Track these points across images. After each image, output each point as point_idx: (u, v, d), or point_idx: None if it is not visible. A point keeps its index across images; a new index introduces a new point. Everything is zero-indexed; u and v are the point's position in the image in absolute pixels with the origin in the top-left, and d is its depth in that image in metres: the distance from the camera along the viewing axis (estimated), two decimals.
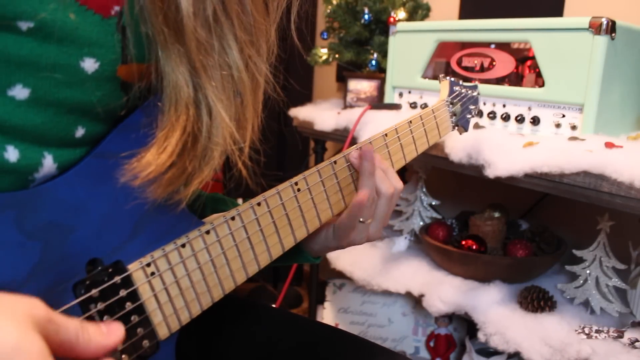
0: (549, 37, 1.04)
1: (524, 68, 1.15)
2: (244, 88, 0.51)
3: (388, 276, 1.34)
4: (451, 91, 0.88)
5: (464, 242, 1.25)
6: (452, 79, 0.90)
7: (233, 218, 0.54)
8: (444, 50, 1.26)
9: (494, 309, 1.13)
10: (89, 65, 0.44)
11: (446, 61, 1.27)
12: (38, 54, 0.41)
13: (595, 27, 0.97)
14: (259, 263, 0.56)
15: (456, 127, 0.88)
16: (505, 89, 1.13)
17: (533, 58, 1.10)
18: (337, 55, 1.58)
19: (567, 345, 0.99)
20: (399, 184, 0.68)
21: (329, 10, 1.55)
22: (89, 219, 0.46)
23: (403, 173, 1.80)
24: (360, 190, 0.65)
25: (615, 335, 1.00)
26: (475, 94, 0.93)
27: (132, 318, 0.46)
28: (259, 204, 0.56)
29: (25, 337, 0.32)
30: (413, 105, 1.32)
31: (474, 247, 1.24)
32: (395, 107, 1.33)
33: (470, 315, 1.15)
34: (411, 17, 1.48)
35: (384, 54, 1.48)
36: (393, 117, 1.25)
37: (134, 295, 0.46)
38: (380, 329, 1.55)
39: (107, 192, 0.47)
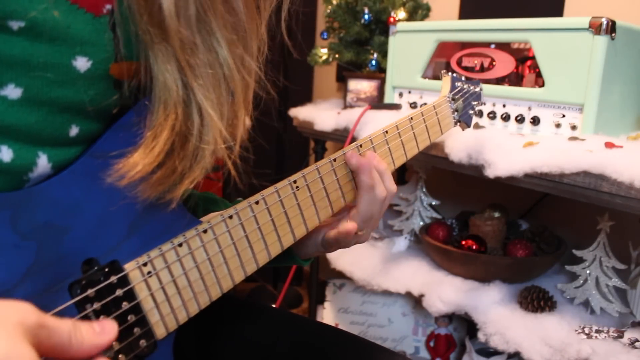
0: (549, 37, 1.04)
1: (524, 68, 1.15)
2: (235, 87, 0.51)
3: (388, 276, 1.34)
4: (453, 87, 0.87)
5: (464, 242, 1.25)
6: (454, 74, 0.89)
7: (231, 216, 0.53)
8: (444, 50, 1.26)
9: (494, 309, 1.13)
10: (81, 64, 0.44)
11: (446, 61, 1.27)
12: (29, 53, 0.41)
13: (595, 27, 0.97)
14: (257, 261, 0.56)
15: (458, 123, 0.88)
16: (505, 89, 1.13)
17: (533, 58, 1.10)
18: (337, 55, 1.58)
19: (567, 345, 0.99)
20: (392, 187, 0.67)
21: (329, 10, 1.54)
22: (85, 219, 0.46)
23: (403, 173, 1.80)
24: (351, 220, 0.64)
25: (615, 335, 0.99)
26: (477, 89, 0.92)
27: (129, 318, 0.46)
28: (257, 202, 0.56)
29: (14, 347, 0.32)
30: (413, 105, 1.32)
31: (474, 247, 1.24)
32: (395, 107, 1.33)
33: (470, 315, 1.15)
34: (411, 17, 1.48)
35: (384, 54, 1.48)
36: (393, 117, 1.25)
37: (130, 295, 0.46)
38: (380, 329, 1.55)
39: (102, 191, 0.47)
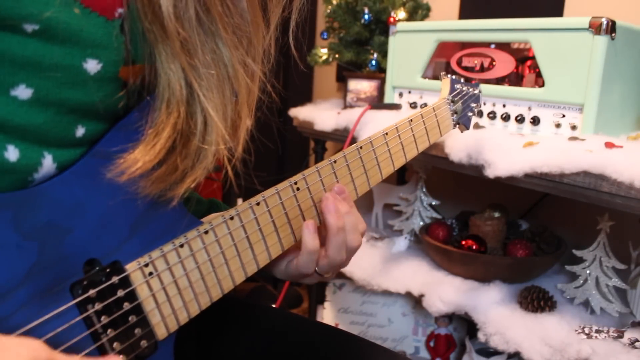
0: (549, 37, 1.04)
1: (524, 68, 1.15)
2: (239, 87, 0.51)
3: (388, 276, 1.34)
4: (452, 89, 0.87)
5: (464, 242, 1.25)
6: (454, 77, 0.89)
7: (232, 218, 0.54)
8: (444, 50, 1.26)
9: (494, 309, 1.13)
10: (92, 66, 0.45)
11: (446, 61, 1.27)
12: (42, 55, 0.42)
13: (595, 27, 0.97)
14: (258, 263, 0.56)
15: (457, 125, 0.88)
16: (505, 89, 1.13)
17: (533, 58, 1.10)
18: (337, 55, 1.58)
19: (567, 345, 0.99)
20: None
21: (329, 10, 1.55)
22: (87, 219, 0.46)
23: (403, 173, 1.80)
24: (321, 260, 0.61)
25: (615, 335, 1.00)
26: (476, 91, 0.93)
27: (130, 318, 0.46)
28: (257, 204, 0.56)
29: None
30: (413, 105, 1.32)
31: (474, 247, 1.24)
32: (395, 107, 1.33)
33: (470, 315, 1.15)
34: (411, 17, 1.48)
35: (384, 54, 1.48)
36: (393, 117, 1.25)
37: (131, 296, 0.46)
38: (380, 329, 1.55)
39: (104, 192, 0.47)
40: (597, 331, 1.01)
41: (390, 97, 1.37)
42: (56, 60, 0.42)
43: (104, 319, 0.44)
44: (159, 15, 0.45)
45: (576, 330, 1.03)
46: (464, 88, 0.90)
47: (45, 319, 0.41)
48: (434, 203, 1.47)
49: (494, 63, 1.18)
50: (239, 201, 1.58)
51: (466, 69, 1.22)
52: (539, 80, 1.11)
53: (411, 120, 0.74)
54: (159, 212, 0.51)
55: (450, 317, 1.47)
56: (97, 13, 0.44)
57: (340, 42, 1.58)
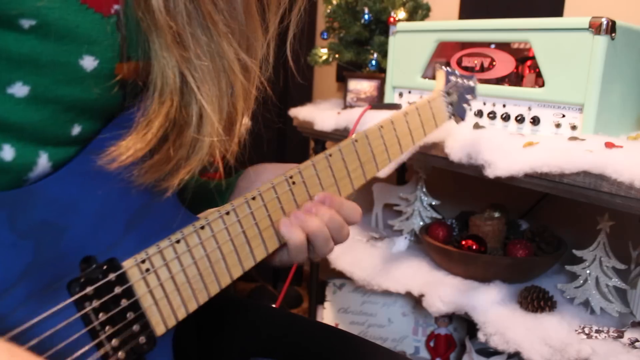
0: (549, 37, 1.04)
1: (524, 68, 1.15)
2: (235, 81, 0.51)
3: (388, 276, 1.34)
4: (447, 81, 0.87)
5: (464, 242, 1.25)
6: (448, 68, 0.89)
7: (228, 213, 0.54)
8: (444, 50, 1.26)
9: (494, 309, 1.13)
10: (88, 63, 0.45)
11: (446, 61, 1.27)
12: (39, 52, 0.42)
13: (595, 27, 0.97)
14: (255, 257, 0.56)
15: (452, 117, 0.88)
16: (505, 89, 1.13)
17: (533, 58, 1.10)
18: (337, 55, 1.58)
19: (567, 345, 0.98)
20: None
21: (329, 10, 1.55)
22: (82, 217, 0.46)
23: (403, 173, 1.80)
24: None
25: (615, 335, 0.99)
26: (471, 83, 0.93)
27: (128, 315, 0.46)
28: (253, 198, 0.56)
29: None
30: None
31: (474, 247, 1.23)
32: (395, 107, 1.33)
33: (470, 315, 1.15)
34: (411, 17, 1.48)
35: (384, 54, 1.48)
36: None
37: (129, 292, 0.46)
38: (380, 329, 1.55)
39: (99, 189, 0.47)
40: (597, 331, 1.01)
41: (390, 97, 1.37)
42: (53, 57, 0.42)
43: (102, 316, 0.44)
44: (150, 8, 0.45)
45: (576, 330, 1.03)
46: (459, 80, 0.90)
47: (43, 317, 0.41)
48: (434, 203, 1.46)
49: (494, 63, 1.17)
50: None
51: (466, 69, 1.22)
52: (539, 80, 1.11)
53: (406, 113, 0.74)
54: (155, 208, 0.51)
55: (450, 317, 1.47)
56: (94, 9, 0.44)
57: (340, 42, 1.58)
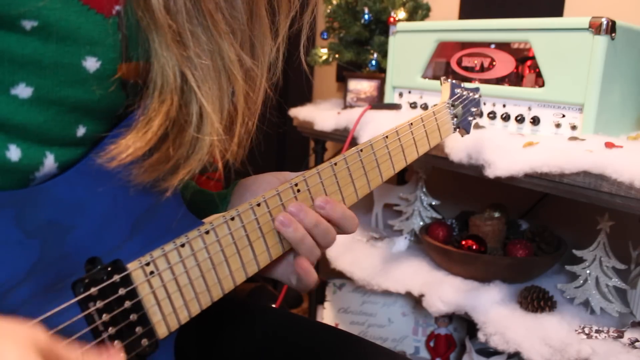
0: (549, 37, 1.04)
1: (524, 68, 1.15)
2: (235, 81, 0.51)
3: (388, 276, 1.34)
4: (452, 93, 0.88)
5: (464, 242, 1.25)
6: (454, 81, 0.89)
7: (233, 218, 0.54)
8: (444, 50, 1.26)
9: (494, 309, 1.13)
10: (91, 64, 0.45)
11: (446, 61, 1.27)
12: (41, 53, 0.42)
13: (595, 27, 0.97)
14: (258, 263, 0.56)
15: (457, 129, 0.88)
16: (505, 89, 1.13)
17: (533, 58, 1.10)
18: (337, 55, 1.58)
19: (567, 345, 0.99)
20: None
21: (329, 10, 1.55)
22: (88, 218, 0.46)
23: (403, 173, 1.80)
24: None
25: (615, 335, 1.00)
26: (477, 96, 0.93)
27: (131, 317, 0.46)
28: (258, 205, 0.56)
29: (26, 358, 0.33)
30: (413, 105, 1.32)
31: (474, 247, 1.24)
32: (395, 107, 1.33)
33: (470, 315, 1.15)
34: (411, 17, 1.48)
35: (384, 54, 1.48)
36: (393, 117, 1.25)
37: (133, 294, 0.46)
38: (380, 329, 1.55)
39: (106, 191, 0.47)
40: (597, 331, 1.01)
41: (390, 97, 1.37)
42: (55, 58, 0.43)
43: (105, 317, 0.45)
44: (150, 7, 0.45)
45: (576, 330, 1.03)
46: (464, 92, 0.90)
47: (47, 316, 0.42)
48: (434, 203, 1.47)
49: (494, 63, 1.18)
50: None
51: (466, 69, 1.22)
52: (539, 80, 1.11)
53: (411, 123, 0.74)
54: (160, 211, 0.51)
55: (450, 317, 1.47)
56: (95, 10, 0.44)
57: (340, 42, 1.58)
